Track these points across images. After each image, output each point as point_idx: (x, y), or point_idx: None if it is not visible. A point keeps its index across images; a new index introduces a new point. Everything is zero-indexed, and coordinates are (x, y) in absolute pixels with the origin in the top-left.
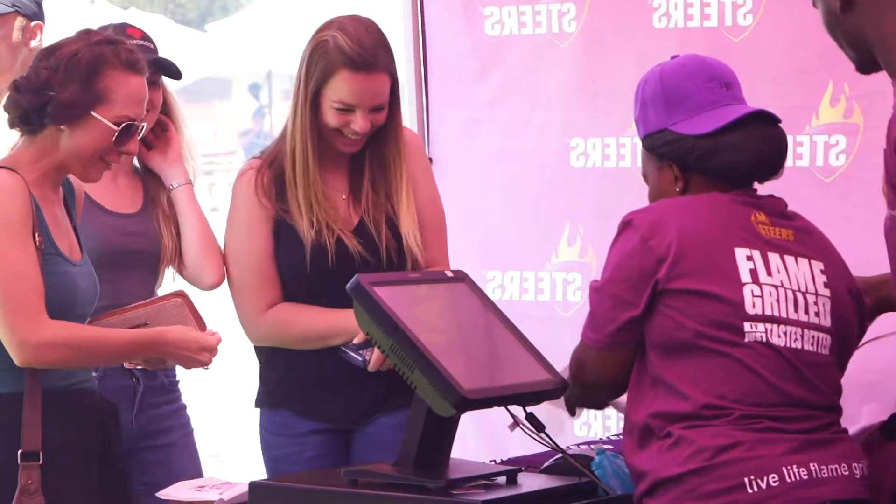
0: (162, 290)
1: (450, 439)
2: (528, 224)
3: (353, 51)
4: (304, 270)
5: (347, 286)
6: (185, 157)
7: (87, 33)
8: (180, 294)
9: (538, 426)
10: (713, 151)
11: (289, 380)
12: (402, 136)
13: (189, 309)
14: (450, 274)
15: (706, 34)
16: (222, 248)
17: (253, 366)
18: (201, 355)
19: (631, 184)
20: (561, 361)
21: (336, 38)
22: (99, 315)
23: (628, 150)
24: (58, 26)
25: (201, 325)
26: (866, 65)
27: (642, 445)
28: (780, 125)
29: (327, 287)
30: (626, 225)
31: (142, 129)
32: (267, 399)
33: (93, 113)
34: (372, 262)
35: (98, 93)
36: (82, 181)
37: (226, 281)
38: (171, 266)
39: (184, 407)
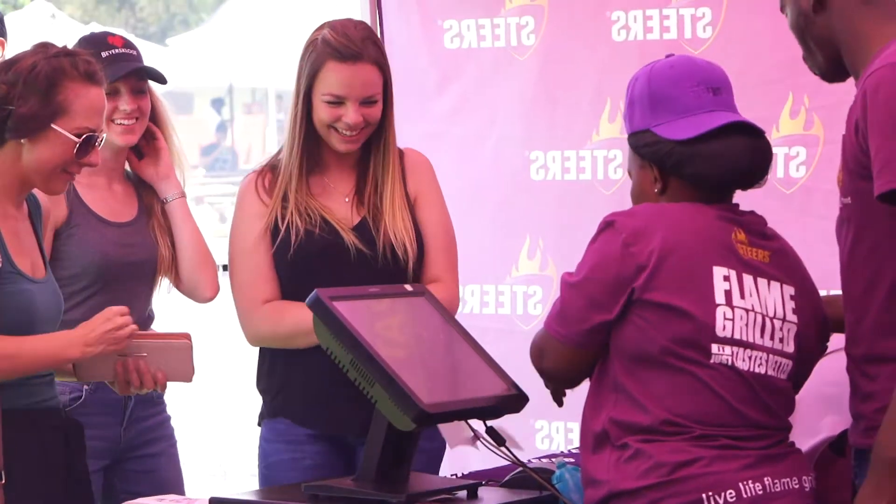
0: (158, 303)
1: (410, 454)
2: (488, 237)
3: (338, 42)
4: (298, 265)
5: (307, 300)
6: (178, 164)
7: (43, 46)
8: (188, 336)
9: (498, 440)
10: (689, 159)
11: (289, 389)
12: (393, 133)
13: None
14: (409, 288)
15: (666, 47)
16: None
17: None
18: (105, 329)
19: (591, 197)
20: (522, 375)
21: (324, 35)
22: None
23: (588, 162)
24: (20, 41)
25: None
26: (832, 70)
27: (596, 449)
28: (762, 136)
29: (321, 282)
30: (608, 225)
31: (102, 140)
32: (267, 410)
33: (53, 126)
34: (369, 256)
35: (58, 105)
36: (46, 194)
37: (229, 285)
38: (166, 277)
39: (168, 418)
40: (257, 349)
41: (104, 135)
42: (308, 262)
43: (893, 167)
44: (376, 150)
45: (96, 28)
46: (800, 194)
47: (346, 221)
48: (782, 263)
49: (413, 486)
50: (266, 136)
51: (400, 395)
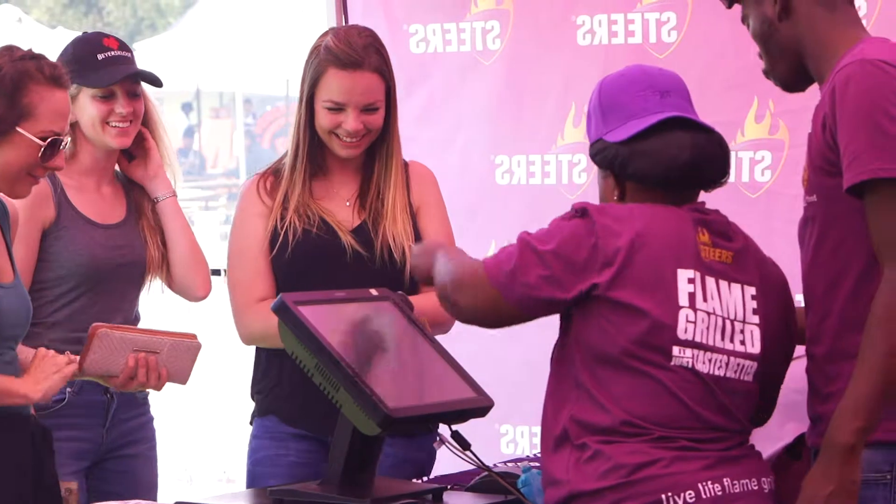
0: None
1: (376, 458)
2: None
3: (339, 49)
4: (295, 265)
5: (272, 305)
6: (169, 165)
7: (9, 50)
8: (195, 337)
9: (464, 444)
10: (630, 158)
11: (279, 388)
12: (397, 141)
13: (197, 355)
14: (375, 293)
15: (631, 51)
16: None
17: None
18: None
19: (556, 201)
20: (489, 377)
21: (327, 42)
22: (118, 326)
23: (553, 167)
24: None
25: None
26: (794, 78)
27: (556, 449)
28: (711, 131)
29: (317, 282)
30: (581, 213)
31: (66, 144)
32: (258, 408)
33: (18, 129)
34: (366, 258)
35: (22, 108)
36: (10, 197)
37: (225, 286)
38: (157, 277)
39: (151, 420)
40: (234, 354)
41: (69, 138)
42: (305, 262)
43: (863, 160)
44: (380, 157)
45: (63, 32)
46: (765, 198)
47: (345, 223)
48: (745, 263)
49: (378, 490)
50: (234, 140)
51: (365, 400)
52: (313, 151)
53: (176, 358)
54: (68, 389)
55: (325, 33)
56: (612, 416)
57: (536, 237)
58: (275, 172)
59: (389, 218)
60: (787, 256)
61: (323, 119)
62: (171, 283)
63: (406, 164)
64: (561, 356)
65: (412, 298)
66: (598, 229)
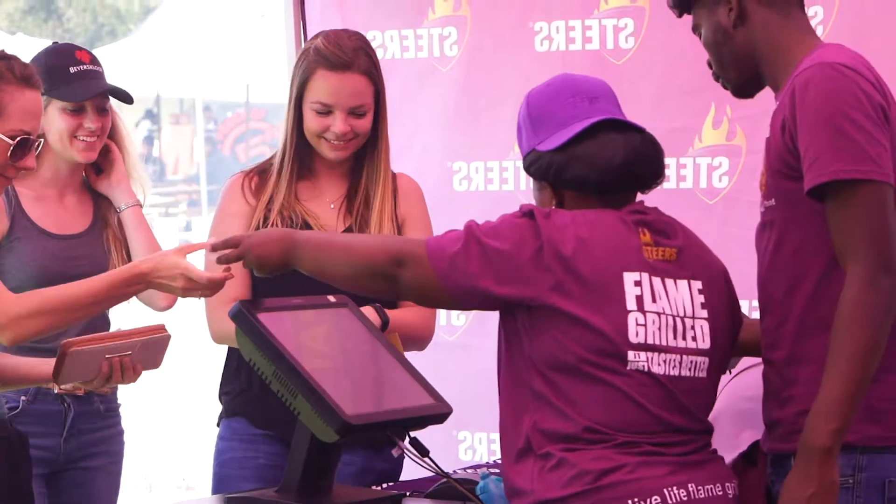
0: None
1: (334, 465)
2: None
3: (328, 51)
4: None
5: (229, 311)
6: (136, 177)
7: None
8: (164, 328)
9: (422, 451)
10: (566, 164)
11: (250, 390)
12: (386, 146)
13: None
14: (333, 299)
15: (588, 57)
16: None
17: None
18: (178, 282)
19: (515, 207)
20: (447, 386)
21: (317, 44)
22: (76, 335)
23: (511, 173)
24: None
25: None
26: (746, 85)
27: (519, 459)
28: (643, 132)
29: (295, 285)
30: (528, 216)
31: (39, 145)
32: (226, 409)
33: None
34: None
35: None
36: None
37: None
38: None
39: (120, 433)
40: (194, 359)
41: (41, 140)
42: None
43: (823, 162)
44: (369, 162)
45: (23, 39)
46: (722, 204)
47: (329, 227)
48: (688, 259)
49: (336, 497)
50: (194, 146)
51: (323, 407)
52: (301, 154)
53: (147, 352)
54: (23, 397)
55: (316, 36)
56: (574, 424)
57: (483, 230)
58: (261, 172)
59: (375, 225)
60: (744, 262)
61: (311, 122)
62: None
63: (394, 176)
64: (511, 369)
65: (390, 312)
66: (544, 235)
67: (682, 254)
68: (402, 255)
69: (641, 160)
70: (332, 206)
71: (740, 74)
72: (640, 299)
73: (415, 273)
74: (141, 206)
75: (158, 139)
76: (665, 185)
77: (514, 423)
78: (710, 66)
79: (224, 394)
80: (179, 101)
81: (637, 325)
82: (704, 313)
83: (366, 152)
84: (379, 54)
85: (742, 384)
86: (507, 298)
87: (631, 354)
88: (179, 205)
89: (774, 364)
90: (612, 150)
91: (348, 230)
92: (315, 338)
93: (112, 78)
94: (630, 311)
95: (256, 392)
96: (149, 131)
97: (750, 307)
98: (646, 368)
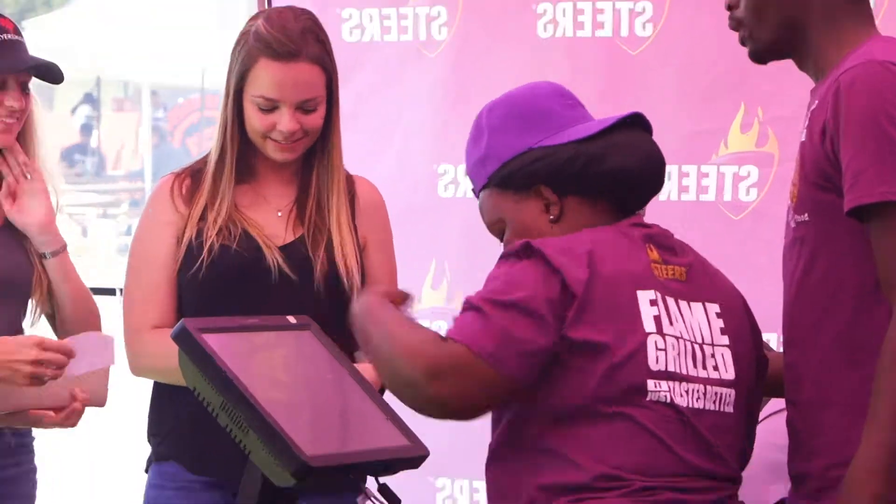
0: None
1: None
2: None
3: (272, 37)
4: (207, 286)
5: (171, 332)
6: (47, 177)
7: None
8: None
9: (393, 500)
10: (602, 153)
11: (180, 430)
12: (338, 142)
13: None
14: (293, 320)
15: (598, 45)
16: None
17: None
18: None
19: None
20: (422, 424)
21: (257, 27)
22: None
23: None
24: None
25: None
26: (773, 50)
27: None
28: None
29: (234, 307)
30: (528, 252)
31: None
32: (155, 453)
33: None
34: (295, 281)
35: None
36: None
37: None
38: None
39: (33, 470)
40: (126, 391)
41: None
42: (220, 283)
43: (868, 179)
44: (320, 161)
45: None
46: (749, 221)
47: (274, 238)
48: (700, 279)
49: None
50: (139, 136)
51: (278, 446)
52: (240, 153)
53: (87, 382)
54: None
55: (256, 16)
56: (585, 472)
57: (494, 291)
58: (193, 174)
59: (335, 235)
60: (773, 288)
61: (254, 119)
62: (54, 327)
63: (350, 179)
64: (511, 429)
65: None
66: (557, 265)
67: (692, 273)
68: (438, 366)
69: (662, 166)
70: (279, 213)
71: (774, 37)
72: (658, 320)
73: (465, 380)
74: (66, 248)
75: (98, 128)
76: (683, 196)
77: (514, 482)
78: (728, 8)
79: (152, 435)
80: (123, 84)
81: (657, 349)
82: (725, 340)
83: (315, 149)
84: (355, 36)
85: (770, 431)
86: (552, 349)
87: (651, 384)
88: (121, 205)
89: (798, 406)
90: (649, 144)
91: (297, 243)
92: (272, 364)
93: (45, 56)
94: (649, 334)
95: (188, 429)
96: (87, 118)
97: (778, 342)
98: (668, 399)
